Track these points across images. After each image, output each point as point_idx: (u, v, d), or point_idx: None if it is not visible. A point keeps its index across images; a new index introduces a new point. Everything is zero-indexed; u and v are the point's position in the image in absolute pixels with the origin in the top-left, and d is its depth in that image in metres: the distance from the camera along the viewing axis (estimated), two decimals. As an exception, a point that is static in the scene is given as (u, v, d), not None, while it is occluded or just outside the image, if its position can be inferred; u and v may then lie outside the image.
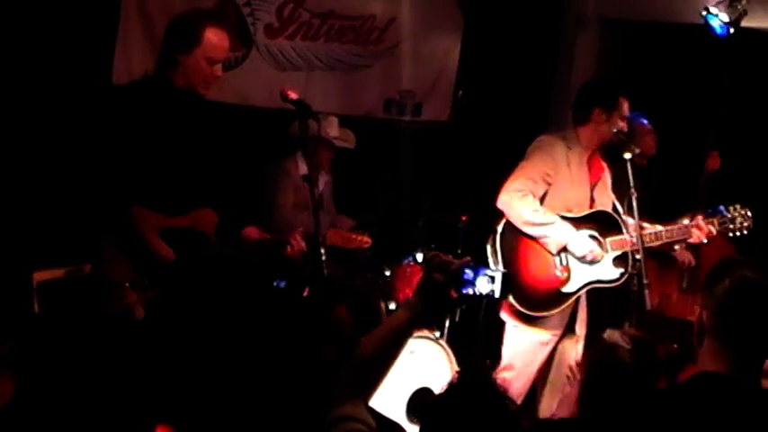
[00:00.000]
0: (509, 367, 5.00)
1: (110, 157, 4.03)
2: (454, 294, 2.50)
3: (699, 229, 4.89)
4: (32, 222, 5.32)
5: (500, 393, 2.41)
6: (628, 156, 4.69)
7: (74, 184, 4.41)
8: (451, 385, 2.44)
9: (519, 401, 4.58)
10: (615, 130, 4.83)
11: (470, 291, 2.48)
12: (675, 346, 4.42)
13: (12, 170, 5.34)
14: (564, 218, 4.84)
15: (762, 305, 2.55)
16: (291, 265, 4.78)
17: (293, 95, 4.32)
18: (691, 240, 4.95)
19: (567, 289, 4.86)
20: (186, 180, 4.22)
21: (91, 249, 4.25)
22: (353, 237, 5.22)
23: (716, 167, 6.05)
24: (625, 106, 4.92)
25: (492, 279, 2.46)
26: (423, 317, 2.55)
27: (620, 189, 4.97)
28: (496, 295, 2.47)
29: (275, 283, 4.71)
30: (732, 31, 5.89)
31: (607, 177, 5.05)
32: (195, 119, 4.25)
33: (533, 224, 4.80)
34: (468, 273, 2.48)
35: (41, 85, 5.47)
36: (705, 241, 4.94)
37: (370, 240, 5.29)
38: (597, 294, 4.99)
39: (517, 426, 2.42)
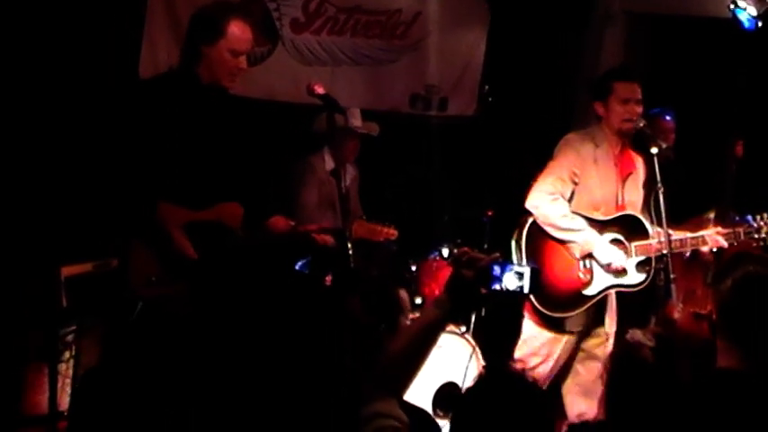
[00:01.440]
0: (525, 361, 4.98)
1: (136, 151, 4.05)
2: (483, 290, 2.50)
3: (711, 240, 4.86)
4: (60, 217, 5.35)
5: (530, 384, 2.41)
6: (654, 150, 4.66)
7: (101, 179, 4.44)
8: (480, 379, 2.44)
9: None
10: (641, 125, 4.79)
11: (498, 287, 2.47)
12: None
13: (40, 165, 5.38)
14: (591, 220, 4.83)
15: (763, 301, 2.53)
16: (318, 252, 4.79)
17: (320, 90, 4.33)
18: (704, 249, 4.93)
19: (587, 291, 4.85)
20: (211, 174, 4.23)
21: (118, 244, 4.28)
22: (380, 228, 5.22)
23: (740, 155, 6.01)
24: (624, 89, 4.84)
25: (520, 275, 2.46)
26: (452, 313, 2.55)
27: (646, 185, 4.94)
28: (525, 291, 2.46)
29: (297, 266, 4.70)
30: (760, 24, 5.84)
31: (640, 173, 5.00)
32: (220, 112, 4.26)
33: (561, 229, 4.79)
34: (497, 269, 2.47)
35: (69, 80, 5.51)
36: (715, 250, 4.91)
37: (396, 232, 5.28)
38: (622, 292, 4.96)
39: (550, 415, 2.43)
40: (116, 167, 4.13)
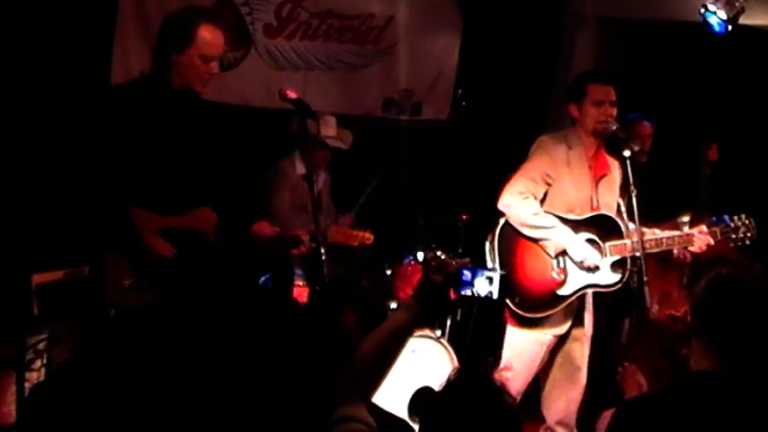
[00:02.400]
0: (508, 367, 4.97)
1: (108, 157, 4.02)
2: (453, 295, 2.49)
3: (700, 239, 4.87)
4: (31, 224, 5.30)
5: (497, 389, 2.40)
6: (627, 153, 4.66)
7: (72, 186, 4.40)
8: (449, 382, 2.43)
9: (518, 400, 4.55)
10: (614, 128, 4.80)
11: (468, 291, 2.47)
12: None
13: (10, 172, 5.33)
14: (565, 220, 4.82)
15: (735, 302, 2.54)
16: (280, 264, 4.79)
17: (292, 95, 4.31)
18: (692, 249, 4.93)
19: (562, 291, 4.83)
20: (184, 180, 4.21)
21: (90, 251, 4.24)
22: (355, 233, 5.20)
23: (714, 159, 6.05)
24: (598, 91, 4.84)
25: (491, 280, 2.45)
26: (421, 317, 2.55)
27: (620, 187, 4.95)
28: (495, 296, 2.45)
29: (262, 280, 4.70)
30: (730, 28, 5.88)
31: (615, 176, 5.02)
32: (192, 118, 4.24)
33: (533, 227, 4.78)
34: (467, 274, 2.47)
35: (39, 86, 5.46)
36: (704, 249, 4.93)
37: (372, 237, 5.27)
38: (597, 294, 4.97)
39: (515, 421, 2.42)
40: (88, 174, 4.10)
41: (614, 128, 4.80)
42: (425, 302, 2.54)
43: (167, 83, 4.15)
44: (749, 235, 4.87)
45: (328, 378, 2.40)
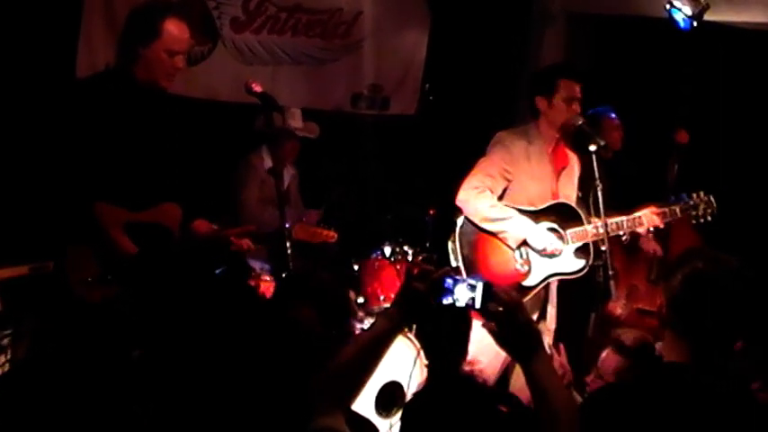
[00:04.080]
0: (475, 361, 4.98)
1: (72, 151, 4.01)
2: (432, 303, 2.47)
3: (647, 218, 4.86)
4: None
5: (480, 385, 2.40)
6: (593, 148, 4.65)
7: (36, 180, 4.37)
8: (428, 382, 2.41)
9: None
10: (580, 122, 4.80)
11: (450, 299, 2.44)
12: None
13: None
14: (523, 211, 4.83)
15: (712, 297, 2.56)
16: (234, 257, 4.77)
17: (257, 88, 4.29)
18: (640, 230, 4.93)
19: (528, 282, 4.85)
20: (150, 174, 4.19)
21: (54, 245, 4.21)
22: (319, 231, 5.20)
23: (684, 142, 6.06)
24: (569, 88, 4.85)
25: (472, 287, 2.42)
26: (402, 325, 2.53)
27: (585, 181, 4.96)
28: (477, 305, 2.43)
29: (216, 271, 4.69)
30: (695, 24, 5.91)
31: (574, 169, 5.03)
32: (158, 112, 4.22)
33: (491, 220, 4.79)
34: (449, 282, 2.44)
35: (3, 80, 5.40)
36: (651, 229, 4.93)
37: (335, 235, 5.27)
38: (562, 286, 4.97)
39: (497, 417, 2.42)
40: (51, 168, 4.08)
41: (580, 122, 4.81)
42: (407, 310, 2.51)
43: (132, 76, 4.14)
44: (709, 211, 4.87)
45: (292, 372, 2.38)
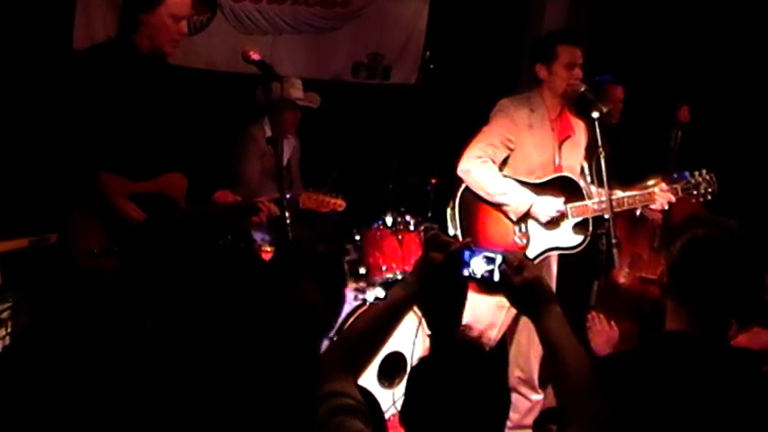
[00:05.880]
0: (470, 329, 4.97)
1: (76, 123, 3.99)
2: (451, 274, 2.46)
3: (661, 196, 4.84)
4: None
5: (482, 350, 2.38)
6: (595, 115, 4.61)
7: (38, 153, 4.35)
8: (434, 348, 2.40)
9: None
10: (582, 89, 4.74)
11: (467, 272, 2.43)
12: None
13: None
14: (525, 184, 4.78)
15: (711, 263, 2.54)
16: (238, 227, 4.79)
17: (255, 56, 4.25)
18: (654, 206, 4.90)
19: (526, 255, 4.81)
20: (154, 144, 4.19)
21: (57, 217, 4.21)
22: (328, 200, 5.16)
23: (686, 120, 6.02)
24: (569, 53, 4.77)
25: (490, 260, 2.41)
26: (418, 296, 2.51)
27: (588, 149, 4.92)
28: (495, 278, 2.41)
29: (221, 241, 4.70)
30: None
31: (580, 136, 4.97)
32: (160, 82, 4.22)
33: (493, 192, 4.74)
34: (467, 254, 2.43)
35: (11, 51, 5.37)
36: (666, 207, 4.90)
37: (344, 203, 5.22)
38: (565, 256, 4.94)
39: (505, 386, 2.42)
40: (55, 140, 4.06)
41: (583, 89, 4.74)
42: (424, 281, 2.49)
43: (135, 45, 4.14)
44: (710, 190, 4.82)
45: (308, 348, 2.37)
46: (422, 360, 2.48)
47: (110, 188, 4.06)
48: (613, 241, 4.59)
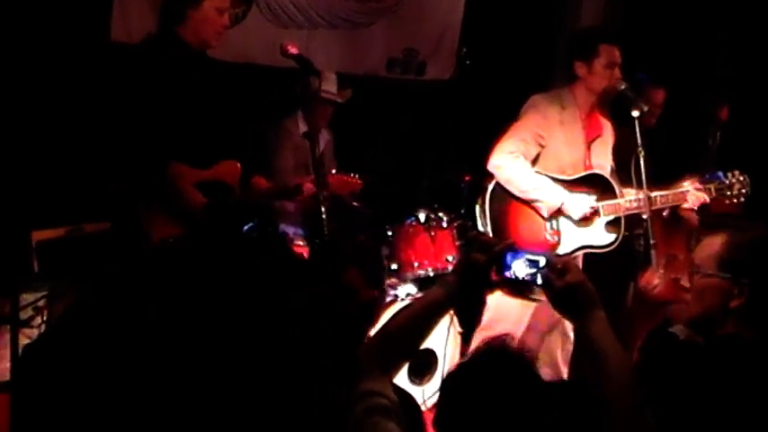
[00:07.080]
0: (487, 328, 4.91)
1: (145, 116, 4.08)
2: (494, 276, 2.43)
3: (694, 195, 4.78)
4: (32, 182, 5.28)
5: (523, 357, 2.35)
6: (636, 113, 4.55)
7: (75, 145, 4.40)
8: (475, 353, 2.36)
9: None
10: (623, 87, 4.69)
11: (509, 274, 2.41)
12: None
13: (14, 129, 5.29)
14: (557, 181, 4.74)
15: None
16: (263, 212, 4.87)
17: (293, 50, 4.28)
18: (686, 206, 4.85)
19: (557, 253, 4.76)
20: (212, 134, 4.33)
21: (126, 207, 4.27)
22: (346, 179, 5.20)
23: (725, 119, 5.96)
24: (609, 53, 4.71)
25: (533, 263, 2.38)
26: (459, 296, 2.48)
27: (625, 150, 4.86)
28: (538, 281, 2.38)
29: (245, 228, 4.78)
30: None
31: (608, 136, 4.92)
32: (208, 74, 4.36)
33: (525, 188, 4.69)
34: (508, 256, 2.41)
35: (42, 43, 5.42)
36: (696, 208, 4.85)
37: (360, 183, 5.30)
38: (601, 256, 4.89)
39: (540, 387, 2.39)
40: (123, 132, 4.13)
41: (623, 87, 4.68)
42: (465, 281, 2.46)
43: (181, 39, 4.24)
44: (744, 192, 4.77)
45: (343, 334, 2.35)
46: (460, 365, 2.44)
47: (179, 177, 4.18)
48: (651, 242, 4.54)
